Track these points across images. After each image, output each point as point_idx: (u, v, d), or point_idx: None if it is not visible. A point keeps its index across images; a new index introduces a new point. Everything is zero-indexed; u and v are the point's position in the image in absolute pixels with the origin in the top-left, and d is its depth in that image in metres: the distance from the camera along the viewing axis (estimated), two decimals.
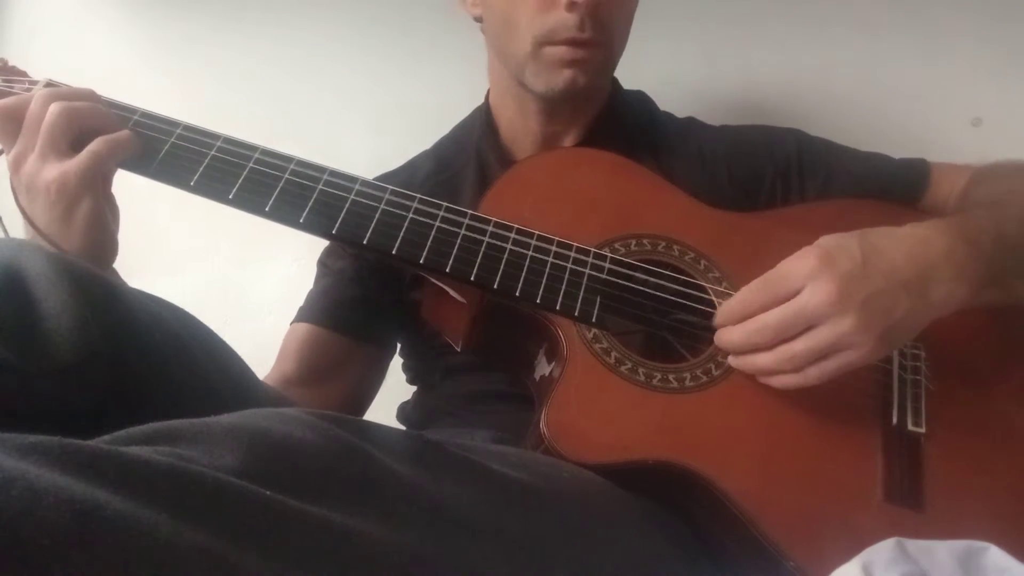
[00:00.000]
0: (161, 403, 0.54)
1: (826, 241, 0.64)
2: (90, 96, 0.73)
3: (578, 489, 0.58)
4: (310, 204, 0.71)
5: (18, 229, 0.72)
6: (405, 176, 0.93)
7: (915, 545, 0.50)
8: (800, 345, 0.63)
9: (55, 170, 0.67)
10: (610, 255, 0.74)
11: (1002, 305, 0.70)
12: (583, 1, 0.77)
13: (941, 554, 0.49)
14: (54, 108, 0.68)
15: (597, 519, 0.57)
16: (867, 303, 0.61)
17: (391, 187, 0.74)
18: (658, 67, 1.12)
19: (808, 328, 0.63)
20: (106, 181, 0.72)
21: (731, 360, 0.68)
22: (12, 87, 0.76)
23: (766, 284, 0.65)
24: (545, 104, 0.87)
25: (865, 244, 0.64)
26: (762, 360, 0.65)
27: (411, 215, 0.73)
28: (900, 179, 0.84)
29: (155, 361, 0.55)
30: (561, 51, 0.80)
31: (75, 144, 0.69)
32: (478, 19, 0.90)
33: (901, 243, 0.65)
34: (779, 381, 0.66)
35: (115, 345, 0.52)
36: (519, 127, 0.91)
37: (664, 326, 0.74)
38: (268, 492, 0.35)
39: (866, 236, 0.65)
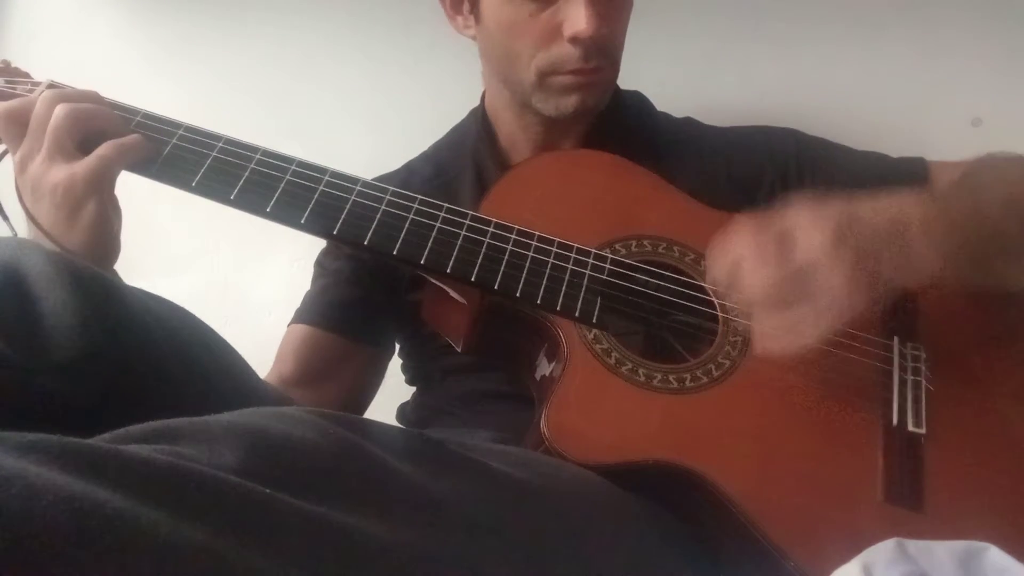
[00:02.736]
0: (162, 402, 0.54)
1: (810, 206, 0.65)
2: (95, 98, 0.73)
3: (579, 489, 0.58)
4: (311, 205, 0.72)
5: (23, 228, 0.72)
6: (401, 179, 0.92)
7: (915, 545, 0.50)
8: (800, 304, 0.63)
9: (62, 172, 0.67)
10: (611, 256, 0.74)
11: (986, 287, 0.70)
12: (586, 37, 0.76)
13: (941, 554, 0.49)
14: (60, 110, 0.68)
15: (597, 519, 0.57)
16: (858, 251, 0.62)
17: (392, 188, 0.74)
18: (657, 67, 1.12)
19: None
20: (111, 183, 0.72)
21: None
22: (15, 88, 0.76)
23: (763, 243, 0.64)
24: (550, 121, 0.87)
25: (846, 208, 0.65)
26: (763, 323, 0.65)
27: (412, 216, 0.73)
28: (899, 178, 0.84)
29: (155, 360, 0.55)
30: (567, 79, 0.80)
31: (81, 146, 0.69)
32: (472, 38, 0.89)
33: (878, 210, 0.66)
34: (781, 343, 0.65)
35: (115, 343, 0.52)
36: (518, 136, 0.91)
37: (664, 327, 0.75)
38: (268, 491, 0.35)
39: (846, 202, 0.66)
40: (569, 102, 0.82)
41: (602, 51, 0.79)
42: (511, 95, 0.87)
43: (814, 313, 0.62)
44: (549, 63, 0.79)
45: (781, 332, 0.64)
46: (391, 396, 0.97)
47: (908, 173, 0.85)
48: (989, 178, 0.74)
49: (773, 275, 0.63)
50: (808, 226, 0.63)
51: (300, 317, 0.92)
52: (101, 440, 0.35)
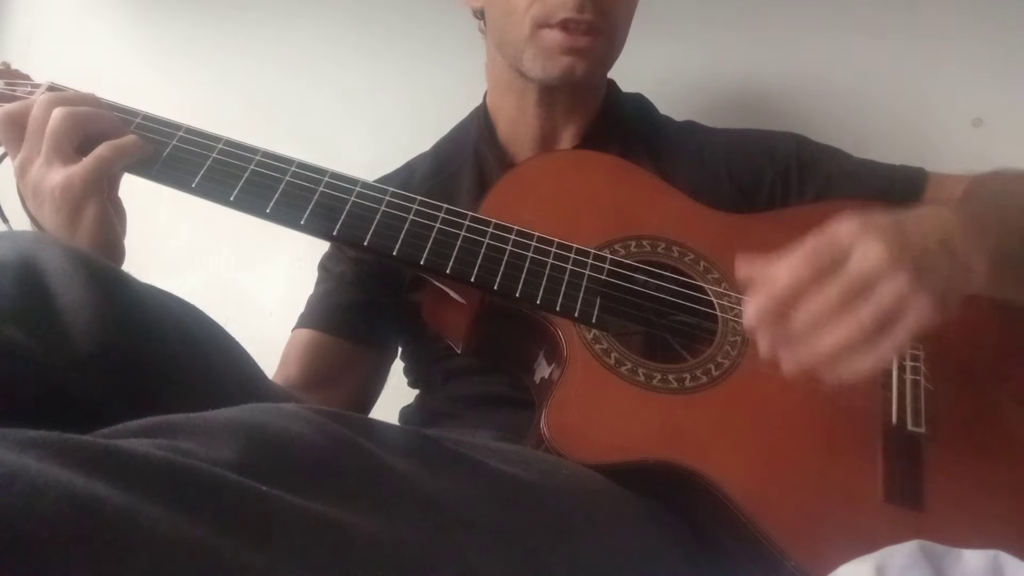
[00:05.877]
0: (171, 397, 0.54)
1: (856, 214, 0.59)
2: (93, 101, 0.73)
3: (577, 487, 0.58)
4: (311, 206, 0.72)
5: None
6: (403, 178, 0.93)
7: (940, 551, 0.46)
8: (866, 313, 0.56)
9: (60, 175, 0.67)
10: (610, 256, 0.74)
11: (1018, 300, 0.69)
12: None
13: (969, 563, 0.45)
14: (57, 113, 0.68)
15: (595, 517, 0.56)
16: (917, 260, 0.57)
17: (392, 189, 0.74)
18: (658, 69, 1.12)
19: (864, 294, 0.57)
20: (111, 185, 0.72)
21: (784, 356, 0.59)
22: (15, 90, 0.76)
23: (815, 254, 0.58)
24: (543, 93, 0.87)
25: (892, 216, 0.60)
26: (829, 341, 0.57)
27: (412, 216, 0.73)
28: (898, 183, 0.84)
29: (166, 355, 0.55)
30: (559, 37, 0.80)
31: (80, 148, 0.69)
32: (478, 12, 0.90)
33: (921, 217, 0.62)
34: (852, 365, 0.57)
35: (128, 339, 0.52)
36: (518, 124, 0.91)
37: (664, 327, 0.75)
38: (264, 487, 0.35)
39: (888, 211, 0.61)
40: (557, 65, 0.82)
41: (599, 9, 0.80)
42: (508, 67, 0.87)
43: (892, 332, 0.56)
44: (543, 12, 0.80)
45: (854, 353, 0.57)
46: (393, 399, 0.97)
47: (909, 179, 0.84)
48: (1007, 194, 0.72)
49: (834, 294, 0.57)
50: (862, 236, 0.57)
51: (304, 321, 0.92)
52: (100, 435, 0.35)
